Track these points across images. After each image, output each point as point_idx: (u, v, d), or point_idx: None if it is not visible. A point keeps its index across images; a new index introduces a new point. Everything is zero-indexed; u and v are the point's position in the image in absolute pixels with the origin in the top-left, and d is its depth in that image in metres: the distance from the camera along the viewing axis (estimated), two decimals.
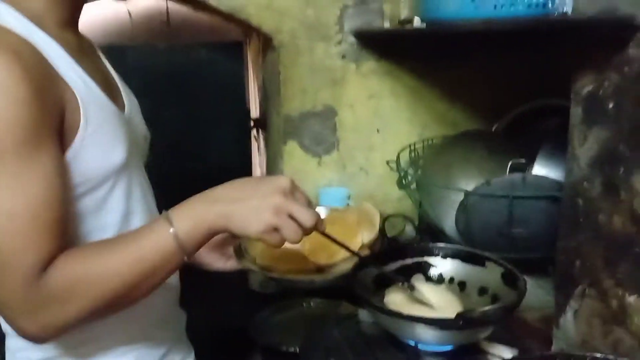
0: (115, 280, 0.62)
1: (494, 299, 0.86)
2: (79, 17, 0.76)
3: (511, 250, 1.07)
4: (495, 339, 0.84)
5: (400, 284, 0.83)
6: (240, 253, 0.91)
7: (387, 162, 1.35)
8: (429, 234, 1.37)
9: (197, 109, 1.66)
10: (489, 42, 1.28)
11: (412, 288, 0.82)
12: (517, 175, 1.06)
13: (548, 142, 1.15)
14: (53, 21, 0.69)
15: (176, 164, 1.58)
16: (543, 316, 1.04)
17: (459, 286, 0.91)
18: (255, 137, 1.71)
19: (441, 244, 0.94)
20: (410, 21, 1.21)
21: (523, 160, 1.14)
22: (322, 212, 0.98)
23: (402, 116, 1.51)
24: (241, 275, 1.13)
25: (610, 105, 0.76)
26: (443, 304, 0.82)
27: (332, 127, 1.47)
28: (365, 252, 0.89)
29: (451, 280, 0.92)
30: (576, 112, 0.84)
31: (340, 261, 0.91)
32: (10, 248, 0.58)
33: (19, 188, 0.59)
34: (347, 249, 0.78)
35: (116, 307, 0.65)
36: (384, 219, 1.12)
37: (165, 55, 1.65)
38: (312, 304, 1.12)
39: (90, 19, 1.71)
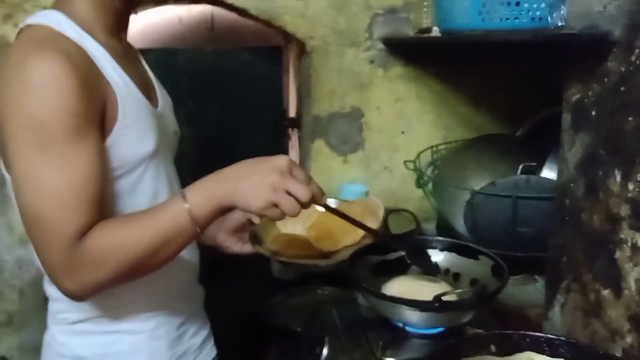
0: (138, 247, 0.72)
1: (482, 289, 0.92)
2: (125, 27, 0.89)
3: (515, 248, 1.12)
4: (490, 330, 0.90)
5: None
6: (254, 238, 1.02)
7: (405, 162, 1.42)
8: (446, 232, 1.43)
9: (237, 109, 1.78)
10: (505, 50, 1.33)
11: (410, 256, 0.89)
12: (521, 177, 1.12)
13: (558, 146, 1.19)
14: (101, 29, 0.82)
15: (215, 159, 1.72)
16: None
17: (454, 277, 0.98)
18: (289, 136, 1.83)
19: (439, 238, 1.02)
20: (429, 30, 1.29)
21: (534, 163, 1.19)
22: (330, 204, 1.07)
23: (426, 119, 1.58)
24: (264, 262, 1.23)
25: (593, 113, 0.81)
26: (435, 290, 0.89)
27: (358, 128, 1.56)
28: (367, 241, 0.98)
29: (447, 271, 0.99)
30: (566, 118, 0.89)
31: (343, 249, 1.00)
32: (56, 217, 0.70)
33: (65, 167, 0.70)
34: (357, 223, 0.85)
35: (140, 271, 0.76)
36: (387, 214, 1.19)
37: (210, 58, 1.79)
38: (325, 291, 1.20)
39: (145, 23, 1.89)
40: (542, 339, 0.71)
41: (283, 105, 1.87)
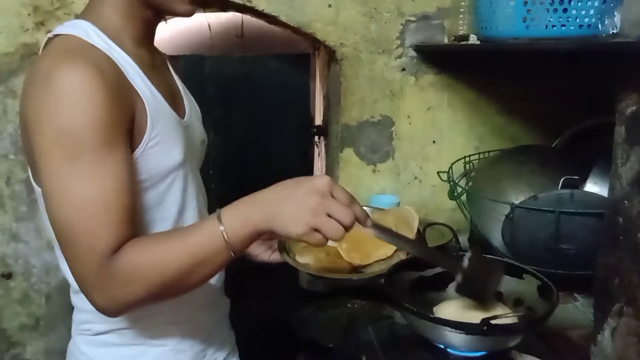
0: (170, 268, 0.69)
1: (529, 310, 0.88)
2: (153, 35, 0.87)
3: (557, 266, 1.07)
4: (534, 352, 0.86)
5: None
6: (282, 248, 0.99)
7: (438, 173, 1.38)
8: (480, 245, 1.38)
9: (264, 116, 1.77)
10: (549, 58, 1.29)
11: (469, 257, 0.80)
12: (565, 191, 1.07)
13: (602, 159, 1.14)
14: (129, 38, 0.80)
15: (241, 165, 1.71)
16: (588, 334, 1.03)
17: (496, 296, 0.93)
18: (316, 143, 1.80)
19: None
20: (466, 38, 1.25)
21: (576, 177, 1.14)
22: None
23: (459, 128, 1.54)
24: (291, 273, 1.20)
25: None
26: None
27: (388, 137, 1.53)
28: (401, 256, 0.94)
29: None
30: (620, 131, 0.84)
31: (375, 262, 0.96)
32: (86, 229, 0.68)
33: (95, 179, 0.68)
34: (403, 241, 0.77)
35: (170, 293, 0.74)
36: (425, 227, 1.15)
37: (238, 64, 1.78)
38: (355, 304, 1.17)
39: (174, 30, 1.89)
40: None
41: (310, 113, 1.84)
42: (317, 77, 1.88)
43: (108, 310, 0.72)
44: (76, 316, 0.88)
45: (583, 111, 1.43)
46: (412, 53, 1.49)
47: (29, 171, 0.80)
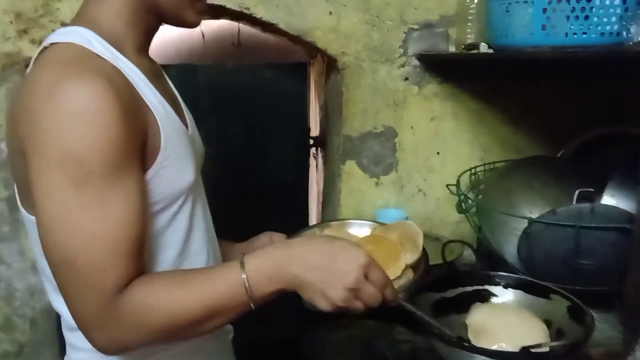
0: (182, 316, 0.63)
1: (559, 333, 0.83)
2: (150, 43, 0.80)
3: (576, 282, 1.03)
4: None
5: None
6: None
7: (447, 186, 1.34)
8: (488, 260, 1.34)
9: (260, 126, 1.71)
10: (558, 67, 1.26)
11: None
12: (585, 205, 1.03)
13: (618, 171, 1.11)
14: (131, 46, 0.72)
15: (237, 177, 1.64)
16: (609, 352, 0.99)
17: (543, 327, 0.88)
18: (314, 155, 1.74)
19: (503, 273, 0.93)
20: (476, 46, 1.21)
21: (592, 189, 1.10)
22: (364, 229, 0.98)
23: (463, 139, 1.51)
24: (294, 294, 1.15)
25: None
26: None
27: (391, 148, 1.48)
28: (409, 275, 0.88)
29: None
30: None
31: None
32: (92, 265, 0.61)
33: (102, 210, 0.61)
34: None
35: (178, 339, 0.68)
36: (443, 245, 1.10)
37: (232, 74, 1.71)
38: (366, 325, 1.12)
39: (164, 39, 1.81)
40: None
41: (307, 124, 1.79)
42: (312, 87, 1.83)
43: (108, 350, 0.66)
44: (71, 355, 0.78)
45: (587, 121, 1.41)
46: (415, 62, 1.45)
47: (16, 193, 0.72)
